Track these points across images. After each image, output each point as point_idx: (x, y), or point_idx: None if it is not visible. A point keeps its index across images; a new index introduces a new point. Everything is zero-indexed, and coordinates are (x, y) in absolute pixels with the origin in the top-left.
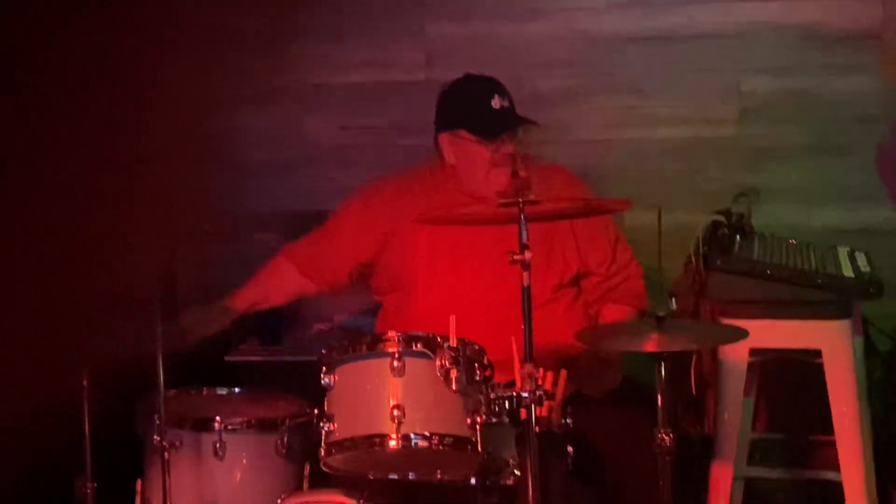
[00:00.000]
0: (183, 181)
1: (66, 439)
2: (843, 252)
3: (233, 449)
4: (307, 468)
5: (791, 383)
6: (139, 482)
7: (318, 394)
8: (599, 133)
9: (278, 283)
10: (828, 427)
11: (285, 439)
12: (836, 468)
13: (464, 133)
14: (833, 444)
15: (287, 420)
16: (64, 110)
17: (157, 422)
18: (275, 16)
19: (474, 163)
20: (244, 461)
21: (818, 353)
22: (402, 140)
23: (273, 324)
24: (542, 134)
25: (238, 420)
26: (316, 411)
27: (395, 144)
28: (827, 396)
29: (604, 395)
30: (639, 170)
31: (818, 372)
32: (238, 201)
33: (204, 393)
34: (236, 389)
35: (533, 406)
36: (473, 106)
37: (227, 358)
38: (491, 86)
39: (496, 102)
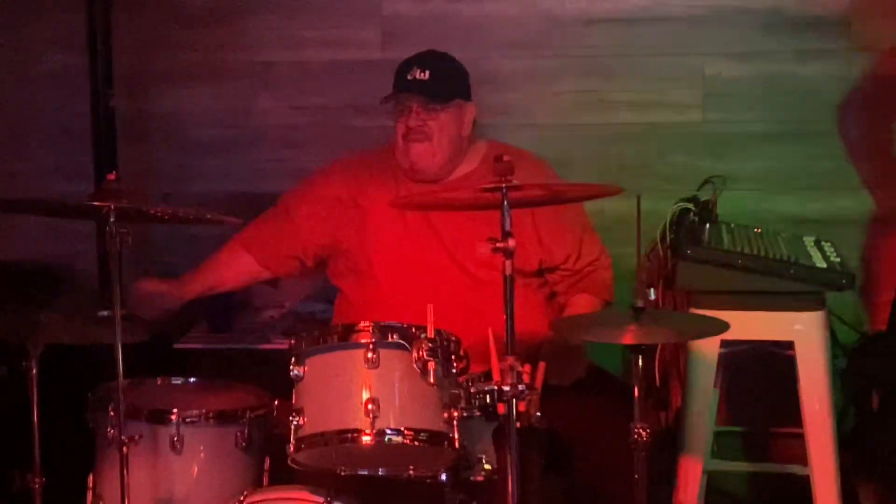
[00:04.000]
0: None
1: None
2: (809, 241)
3: (191, 442)
4: (267, 462)
5: (753, 374)
6: (90, 477)
7: (273, 383)
8: (561, 117)
9: (232, 268)
10: (788, 420)
11: (245, 432)
12: (799, 461)
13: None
14: (795, 437)
15: (248, 412)
16: None
17: (113, 414)
18: None
19: (395, 136)
20: (202, 455)
21: (789, 345)
22: (357, 120)
23: (223, 310)
24: (500, 117)
25: (196, 412)
26: (277, 402)
27: (348, 125)
28: (789, 388)
29: (570, 384)
30: (601, 154)
31: (781, 363)
32: (186, 180)
33: (158, 383)
34: (192, 379)
35: (514, 400)
36: (395, 79)
37: (175, 346)
38: (417, 59)
39: (411, 74)
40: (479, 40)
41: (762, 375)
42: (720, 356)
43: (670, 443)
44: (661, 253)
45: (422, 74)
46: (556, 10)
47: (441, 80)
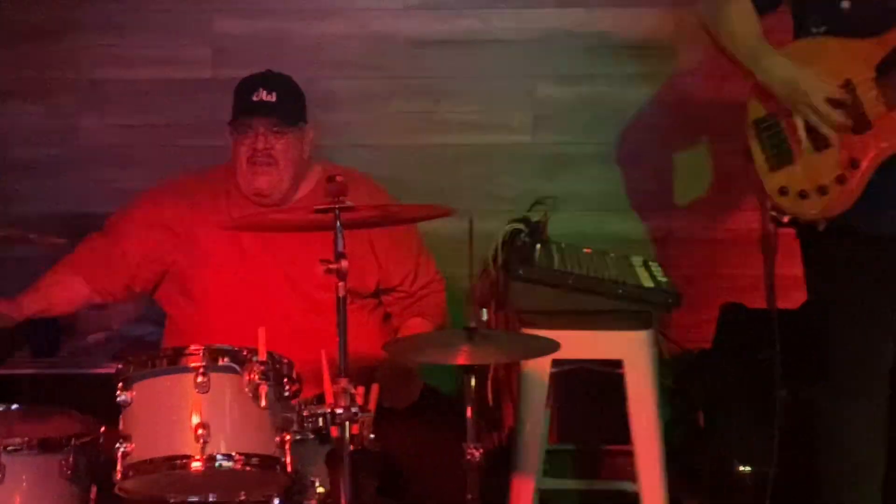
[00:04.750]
0: None
1: None
2: (637, 261)
3: (13, 472)
4: (94, 491)
5: (583, 393)
6: None
7: (99, 409)
8: (394, 137)
9: (65, 291)
10: (620, 437)
11: (70, 460)
12: (628, 477)
13: (228, 128)
14: (625, 454)
15: (72, 439)
16: None
17: None
18: (50, 6)
19: (237, 159)
20: (24, 485)
21: (619, 364)
22: (188, 140)
23: (46, 333)
24: (334, 138)
25: (18, 441)
26: (103, 429)
27: (178, 145)
28: (621, 406)
29: (405, 406)
30: (433, 175)
31: (613, 381)
32: (10, 200)
33: None
34: (13, 406)
35: (347, 423)
36: (237, 100)
37: None
38: (260, 79)
39: (255, 96)
40: (312, 61)
41: (595, 393)
42: (552, 375)
43: (504, 462)
44: (493, 274)
45: (268, 96)
46: (389, 31)
47: (288, 102)
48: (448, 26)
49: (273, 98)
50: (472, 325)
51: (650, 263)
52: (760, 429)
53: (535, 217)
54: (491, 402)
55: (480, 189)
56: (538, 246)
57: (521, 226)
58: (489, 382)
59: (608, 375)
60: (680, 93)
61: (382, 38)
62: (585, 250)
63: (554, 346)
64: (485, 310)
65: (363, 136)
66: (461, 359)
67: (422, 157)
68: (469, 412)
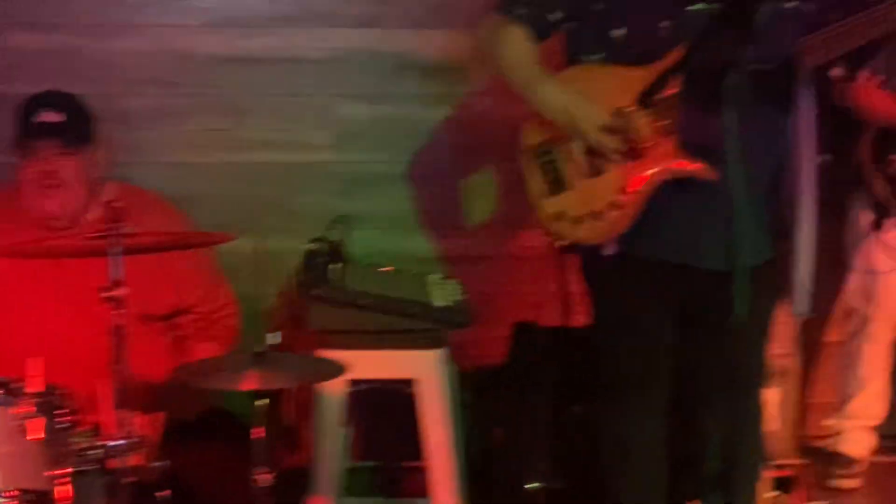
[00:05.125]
0: None
1: None
2: (434, 280)
3: None
4: None
5: (384, 411)
6: None
7: None
8: (192, 155)
9: None
10: (420, 453)
11: None
12: (428, 494)
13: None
14: (424, 471)
15: None
16: None
17: None
18: None
19: (24, 181)
20: None
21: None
22: None
23: None
24: (130, 155)
25: None
26: None
27: None
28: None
29: (194, 417)
30: (234, 194)
31: (411, 399)
32: None
33: None
34: None
35: (125, 454)
36: (20, 122)
37: None
38: (44, 99)
39: (40, 117)
40: (107, 77)
41: (395, 410)
42: (352, 393)
43: (305, 483)
44: (292, 294)
45: (54, 117)
46: (188, 48)
47: (75, 122)
48: (248, 43)
49: (59, 118)
50: (259, 349)
51: (447, 282)
52: (552, 445)
53: (333, 236)
54: (292, 423)
55: (281, 208)
56: (336, 266)
57: (318, 246)
58: (288, 404)
59: (410, 393)
60: (473, 113)
61: (181, 55)
62: (384, 269)
63: (341, 369)
64: (277, 333)
65: (161, 154)
66: (249, 384)
67: (221, 176)
68: (257, 436)
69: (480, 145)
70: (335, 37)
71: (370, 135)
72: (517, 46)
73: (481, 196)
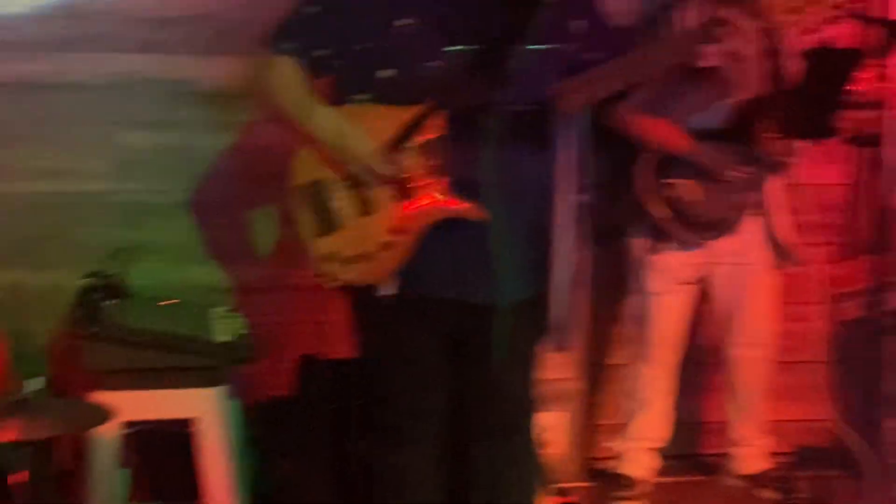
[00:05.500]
0: None
1: None
2: (218, 313)
3: None
4: None
5: (164, 451)
6: None
7: None
8: None
9: None
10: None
11: None
12: None
13: None
14: None
15: None
16: None
17: None
18: None
19: None
20: None
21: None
22: None
23: None
24: None
25: None
26: None
27: None
28: None
29: None
30: (12, 225)
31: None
32: None
33: None
34: None
35: None
36: None
37: None
38: None
39: None
40: None
41: (177, 449)
42: (128, 435)
43: None
44: (68, 331)
45: None
46: None
47: None
48: (18, 69)
49: None
50: (19, 397)
51: (231, 315)
52: (336, 478)
53: (110, 270)
54: (69, 466)
55: (61, 239)
56: (113, 301)
57: (93, 280)
58: (64, 447)
59: (188, 432)
60: (256, 141)
61: None
62: (168, 302)
63: (105, 415)
64: (39, 378)
65: None
66: (8, 434)
67: None
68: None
69: (264, 174)
70: (113, 62)
71: (152, 163)
72: (287, 76)
73: (267, 226)
